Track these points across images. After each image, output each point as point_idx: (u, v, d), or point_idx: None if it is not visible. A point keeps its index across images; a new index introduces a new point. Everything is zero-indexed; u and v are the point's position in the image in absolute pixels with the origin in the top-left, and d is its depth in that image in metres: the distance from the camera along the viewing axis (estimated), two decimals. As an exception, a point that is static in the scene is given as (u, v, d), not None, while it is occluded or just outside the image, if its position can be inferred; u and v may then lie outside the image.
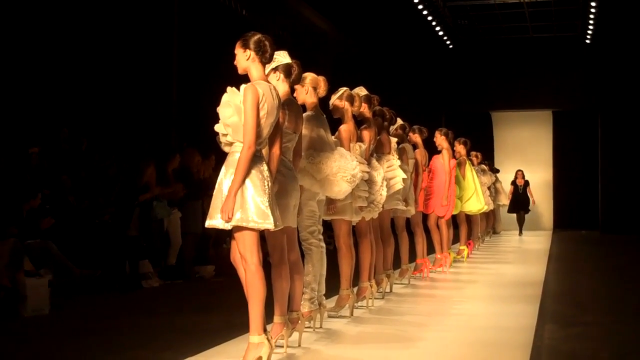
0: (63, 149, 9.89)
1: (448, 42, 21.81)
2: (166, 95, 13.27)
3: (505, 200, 18.79)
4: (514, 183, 20.48)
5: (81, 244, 9.23)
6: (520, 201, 20.31)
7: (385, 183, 7.50)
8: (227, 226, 4.87)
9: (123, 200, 9.91)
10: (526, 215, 20.62)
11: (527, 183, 20.51)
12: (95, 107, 11.70)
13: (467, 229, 13.16)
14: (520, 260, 13.31)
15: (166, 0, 13.24)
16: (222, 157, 5.15)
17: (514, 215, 20.55)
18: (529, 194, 20.35)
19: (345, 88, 7.17)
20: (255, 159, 4.90)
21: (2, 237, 7.96)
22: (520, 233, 20.02)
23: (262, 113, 4.91)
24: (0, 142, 9.61)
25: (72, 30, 11.22)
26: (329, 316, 6.84)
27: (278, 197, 5.15)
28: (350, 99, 7.09)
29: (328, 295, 6.77)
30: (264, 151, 5.15)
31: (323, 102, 6.69)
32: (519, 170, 20.63)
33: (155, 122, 12.94)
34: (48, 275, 7.97)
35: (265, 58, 5.11)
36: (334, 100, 7.07)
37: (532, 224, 21.32)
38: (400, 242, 9.54)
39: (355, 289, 7.34)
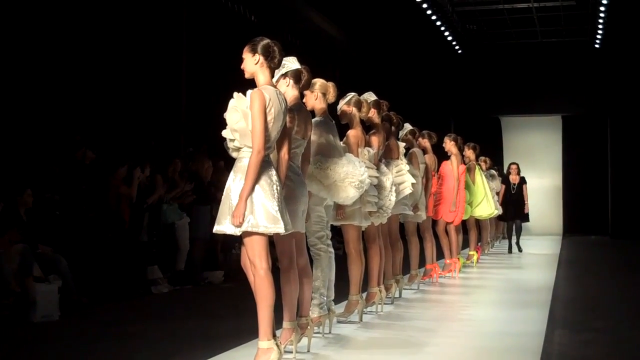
0: (76, 157, 9.91)
1: (457, 47, 21.81)
2: (175, 101, 13.29)
3: None
4: (506, 180, 15.92)
5: (92, 253, 9.19)
6: (513, 205, 15.63)
7: (394, 188, 7.49)
8: (236, 232, 4.87)
9: (135, 206, 9.94)
10: (533, 219, 16.99)
11: (523, 180, 15.84)
12: (104, 113, 11.72)
13: (476, 234, 13.14)
14: (529, 266, 13.28)
15: (175, 6, 13.27)
16: (230, 162, 5.15)
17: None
18: (524, 196, 15.76)
19: (353, 93, 7.17)
20: (264, 164, 4.90)
21: (7, 240, 7.97)
22: (517, 249, 15.62)
23: (269, 118, 4.92)
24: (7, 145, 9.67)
25: (82, 37, 11.25)
26: (338, 321, 6.83)
27: (286, 202, 5.15)
28: (358, 105, 7.08)
29: (337, 300, 6.76)
30: (272, 156, 5.16)
31: (332, 107, 6.69)
32: (513, 164, 16.12)
33: (165, 127, 12.97)
34: (57, 282, 7.98)
35: (273, 63, 5.11)
36: (342, 105, 7.07)
37: (541, 229, 21.23)
38: (410, 247, 9.53)
39: (364, 295, 7.33)
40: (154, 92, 12.71)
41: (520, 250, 15.54)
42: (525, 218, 15.89)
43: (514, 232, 15.76)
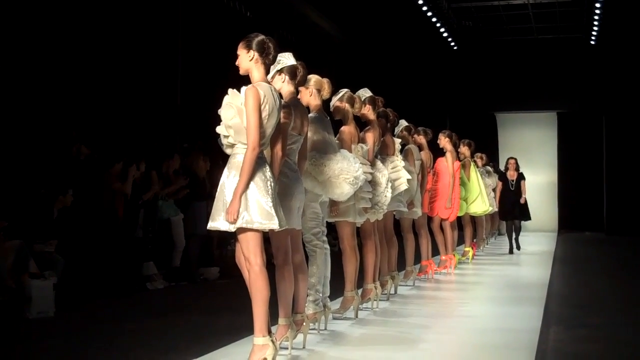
0: (71, 153, 9.92)
1: (452, 44, 21.82)
2: (170, 98, 13.28)
3: None
4: (503, 177, 14.90)
5: (87, 249, 9.19)
6: (512, 203, 14.61)
7: (389, 184, 7.49)
8: (231, 228, 4.87)
9: (129, 202, 9.93)
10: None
11: (521, 177, 14.73)
12: (99, 109, 11.71)
13: (472, 230, 13.13)
14: (525, 262, 13.29)
15: (170, 2, 13.25)
16: (226, 159, 5.15)
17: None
18: (522, 191, 14.67)
19: (346, 89, 7.17)
20: (258, 161, 4.90)
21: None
22: (515, 249, 14.59)
23: (263, 114, 4.91)
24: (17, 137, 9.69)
25: (77, 33, 11.23)
26: (334, 318, 6.84)
27: (282, 199, 5.15)
28: (351, 101, 7.08)
29: (333, 297, 6.77)
30: (266, 152, 5.16)
31: (327, 104, 6.69)
32: (512, 158, 14.99)
33: (160, 124, 12.96)
34: (53, 278, 7.98)
35: (268, 59, 5.11)
36: (335, 101, 7.07)
37: (537, 226, 21.21)
38: (406, 243, 9.53)
39: (359, 291, 7.34)
40: (149, 88, 12.69)
41: (518, 248, 14.58)
42: (526, 217, 14.84)
43: (514, 231, 14.73)
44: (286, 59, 5.67)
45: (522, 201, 14.62)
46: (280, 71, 5.67)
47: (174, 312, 8.21)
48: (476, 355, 5.76)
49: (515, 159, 14.90)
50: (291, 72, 5.72)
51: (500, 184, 14.86)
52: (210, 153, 11.56)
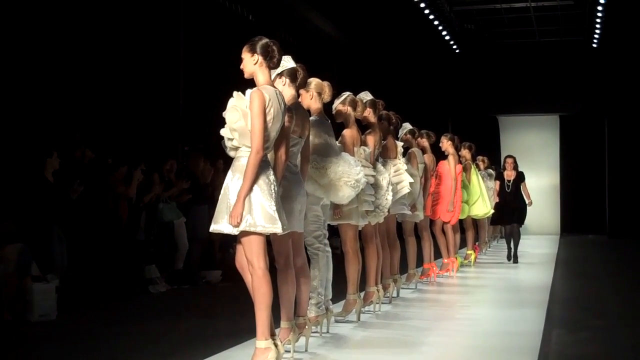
0: (75, 156, 9.92)
1: (454, 47, 21.81)
2: (173, 101, 13.28)
3: None
4: (500, 177, 13.80)
5: (90, 252, 9.19)
6: (508, 206, 13.42)
7: (391, 187, 7.50)
8: (234, 231, 4.87)
9: (132, 206, 9.93)
10: (530, 219, 14.80)
11: (520, 176, 13.52)
12: (103, 112, 11.72)
13: (474, 233, 13.11)
14: (527, 265, 13.28)
15: (173, 5, 13.27)
16: (229, 162, 5.14)
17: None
18: (523, 194, 13.58)
19: (348, 93, 7.17)
20: (262, 164, 4.90)
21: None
22: (513, 258, 13.26)
23: (268, 118, 4.92)
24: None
25: (81, 36, 11.24)
26: (336, 321, 6.84)
27: (283, 201, 5.15)
28: (353, 104, 7.09)
29: (335, 300, 6.77)
30: (270, 156, 5.16)
31: (327, 106, 6.69)
32: (509, 157, 13.85)
33: (163, 127, 12.96)
34: (55, 281, 7.98)
35: (272, 63, 5.11)
36: (337, 105, 7.07)
37: (539, 229, 21.22)
38: (408, 246, 9.53)
39: (362, 294, 7.34)
40: (152, 92, 12.70)
41: (516, 261, 13.22)
42: (520, 220, 13.48)
43: (512, 238, 13.44)
44: (286, 62, 5.68)
45: (529, 205, 13.60)
46: (280, 74, 5.68)
47: (176, 315, 8.22)
48: (478, 358, 5.76)
49: (514, 158, 13.75)
50: (291, 74, 5.73)
51: (498, 184, 13.86)
52: (212, 156, 11.56)
